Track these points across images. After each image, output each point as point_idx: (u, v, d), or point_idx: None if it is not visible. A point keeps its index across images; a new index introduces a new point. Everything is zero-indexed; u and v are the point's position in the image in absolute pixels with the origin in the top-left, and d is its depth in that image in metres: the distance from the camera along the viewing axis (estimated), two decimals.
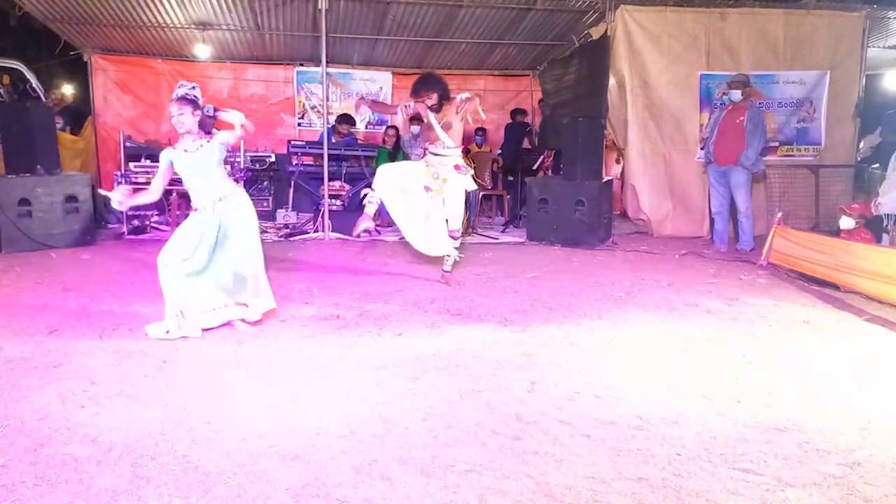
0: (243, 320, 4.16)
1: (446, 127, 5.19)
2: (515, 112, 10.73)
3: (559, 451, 2.57)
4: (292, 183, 8.87)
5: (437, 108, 5.18)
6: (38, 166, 6.98)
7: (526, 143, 10.59)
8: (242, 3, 8.85)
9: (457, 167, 5.25)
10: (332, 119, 9.67)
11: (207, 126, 4.15)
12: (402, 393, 3.16)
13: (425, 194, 5.21)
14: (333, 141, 8.73)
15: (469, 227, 8.64)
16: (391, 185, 5.20)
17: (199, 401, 3.00)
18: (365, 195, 5.38)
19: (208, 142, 4.13)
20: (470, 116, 5.21)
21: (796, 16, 8.31)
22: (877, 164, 8.10)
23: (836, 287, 5.35)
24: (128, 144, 8.43)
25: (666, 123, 8.42)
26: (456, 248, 5.43)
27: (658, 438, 2.70)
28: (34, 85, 9.19)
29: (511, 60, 11.20)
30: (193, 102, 4.08)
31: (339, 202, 8.33)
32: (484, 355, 3.72)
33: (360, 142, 9.61)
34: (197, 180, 4.11)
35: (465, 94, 5.09)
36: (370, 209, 5.24)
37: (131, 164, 7.88)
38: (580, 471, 2.42)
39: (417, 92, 5.16)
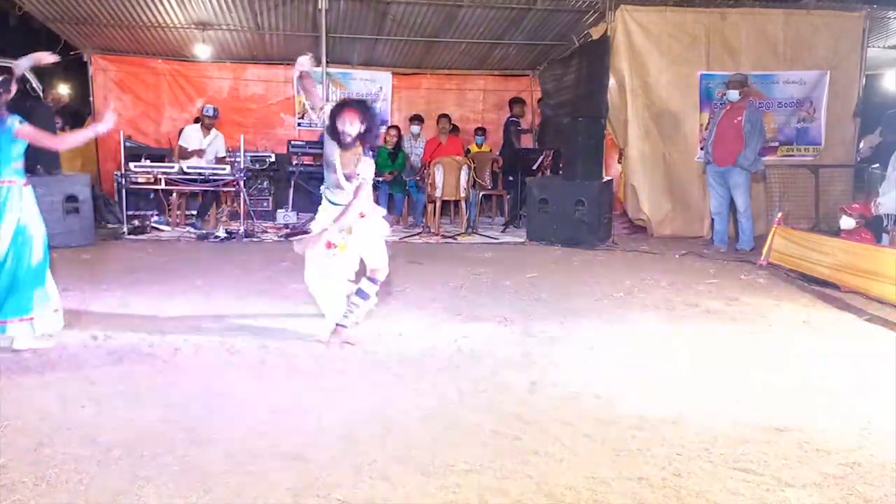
0: None
1: (348, 176, 3.85)
2: (512, 103, 10.49)
3: (559, 451, 2.57)
4: (292, 183, 8.87)
5: (350, 144, 3.80)
6: (38, 166, 6.97)
7: (524, 141, 10.52)
8: (242, 3, 8.86)
9: (361, 215, 3.89)
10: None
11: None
12: (402, 393, 3.16)
13: (326, 252, 3.85)
14: None
15: (469, 227, 8.65)
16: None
17: (199, 401, 3.00)
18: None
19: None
20: None
21: (796, 16, 8.32)
22: (877, 164, 8.10)
23: (836, 287, 5.35)
24: (128, 144, 8.43)
25: (666, 123, 8.42)
26: (375, 295, 4.11)
27: (658, 438, 2.70)
28: (34, 85, 9.18)
29: (511, 60, 11.20)
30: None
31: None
32: (484, 355, 3.72)
33: None
34: None
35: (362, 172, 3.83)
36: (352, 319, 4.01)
37: (131, 164, 7.87)
38: (580, 471, 2.42)
39: (338, 111, 3.79)
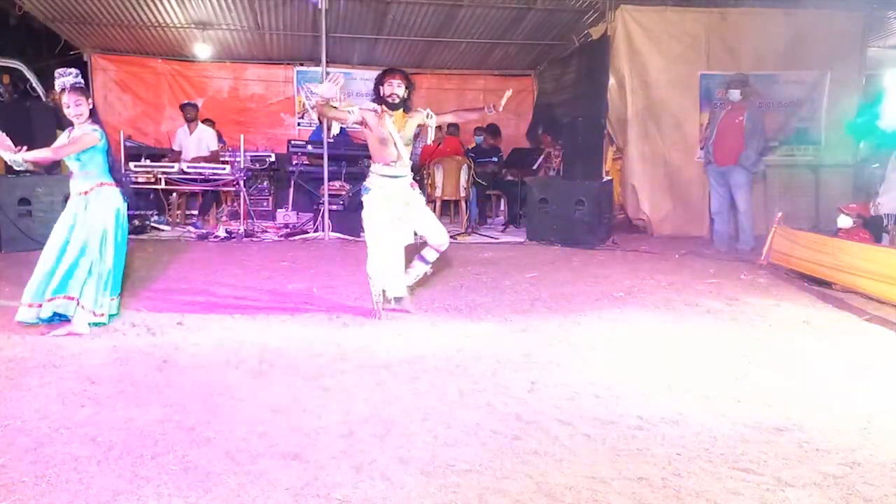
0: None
1: (406, 140, 4.34)
2: (482, 130, 9.86)
3: (559, 451, 2.57)
4: (292, 183, 8.87)
5: (398, 105, 4.30)
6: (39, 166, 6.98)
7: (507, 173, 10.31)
8: (242, 2, 8.87)
9: (412, 184, 4.48)
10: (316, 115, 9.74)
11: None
12: (402, 393, 3.16)
13: (399, 224, 4.36)
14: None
15: (469, 226, 8.64)
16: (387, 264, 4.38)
17: (199, 401, 3.00)
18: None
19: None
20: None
21: (796, 16, 8.31)
22: (877, 164, 8.10)
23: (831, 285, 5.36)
24: (128, 144, 8.43)
25: (666, 123, 8.42)
26: (430, 263, 4.61)
27: (658, 438, 2.70)
28: (34, 85, 9.20)
29: (511, 60, 11.20)
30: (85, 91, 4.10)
31: (339, 201, 8.31)
32: (484, 355, 3.72)
33: (357, 141, 9.61)
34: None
35: (429, 111, 4.40)
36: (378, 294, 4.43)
37: (131, 164, 7.88)
38: (580, 471, 2.42)
39: (382, 79, 4.32)
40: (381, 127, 4.24)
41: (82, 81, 4.12)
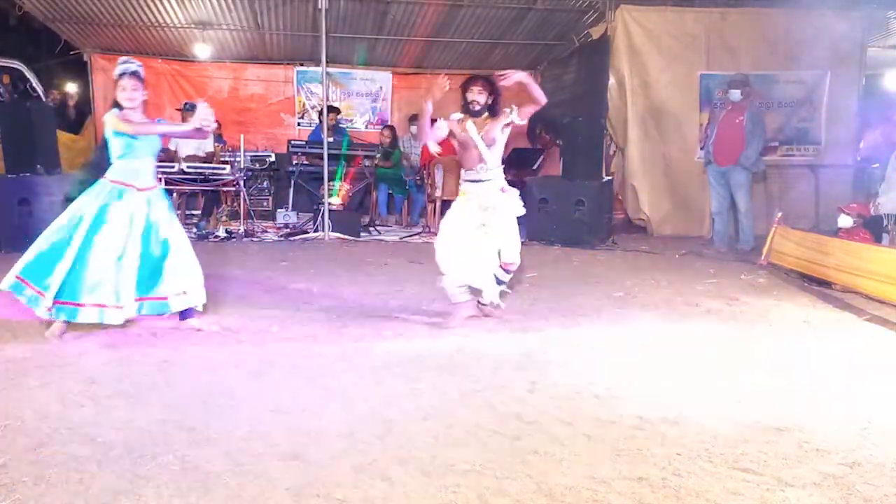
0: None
1: (489, 142, 4.26)
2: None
3: (559, 451, 2.57)
4: (292, 183, 8.87)
5: (479, 112, 4.30)
6: (38, 166, 6.98)
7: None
8: (242, 2, 8.87)
9: (502, 189, 4.37)
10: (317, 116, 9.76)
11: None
12: (402, 393, 3.15)
13: (481, 230, 4.28)
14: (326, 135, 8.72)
15: None
16: (459, 258, 4.27)
17: (199, 401, 3.00)
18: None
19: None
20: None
21: (796, 16, 8.31)
22: (877, 164, 8.11)
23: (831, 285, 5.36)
24: None
25: (666, 123, 8.43)
26: (505, 283, 4.51)
27: (658, 438, 2.70)
28: (34, 84, 9.21)
29: (511, 60, 11.17)
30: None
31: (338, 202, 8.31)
32: (484, 355, 3.72)
33: (357, 141, 9.63)
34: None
35: (513, 107, 4.32)
36: (462, 297, 4.37)
37: None
38: (580, 471, 2.42)
39: (466, 86, 4.33)
40: (463, 132, 4.30)
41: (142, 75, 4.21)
